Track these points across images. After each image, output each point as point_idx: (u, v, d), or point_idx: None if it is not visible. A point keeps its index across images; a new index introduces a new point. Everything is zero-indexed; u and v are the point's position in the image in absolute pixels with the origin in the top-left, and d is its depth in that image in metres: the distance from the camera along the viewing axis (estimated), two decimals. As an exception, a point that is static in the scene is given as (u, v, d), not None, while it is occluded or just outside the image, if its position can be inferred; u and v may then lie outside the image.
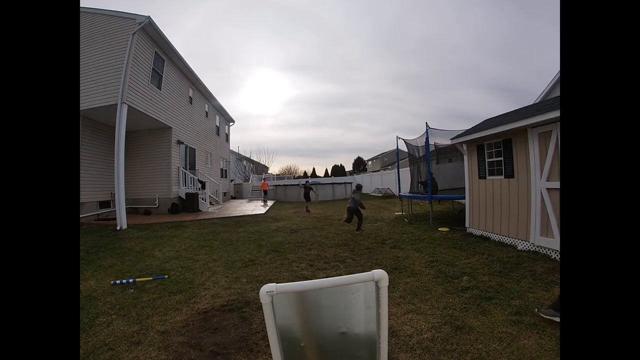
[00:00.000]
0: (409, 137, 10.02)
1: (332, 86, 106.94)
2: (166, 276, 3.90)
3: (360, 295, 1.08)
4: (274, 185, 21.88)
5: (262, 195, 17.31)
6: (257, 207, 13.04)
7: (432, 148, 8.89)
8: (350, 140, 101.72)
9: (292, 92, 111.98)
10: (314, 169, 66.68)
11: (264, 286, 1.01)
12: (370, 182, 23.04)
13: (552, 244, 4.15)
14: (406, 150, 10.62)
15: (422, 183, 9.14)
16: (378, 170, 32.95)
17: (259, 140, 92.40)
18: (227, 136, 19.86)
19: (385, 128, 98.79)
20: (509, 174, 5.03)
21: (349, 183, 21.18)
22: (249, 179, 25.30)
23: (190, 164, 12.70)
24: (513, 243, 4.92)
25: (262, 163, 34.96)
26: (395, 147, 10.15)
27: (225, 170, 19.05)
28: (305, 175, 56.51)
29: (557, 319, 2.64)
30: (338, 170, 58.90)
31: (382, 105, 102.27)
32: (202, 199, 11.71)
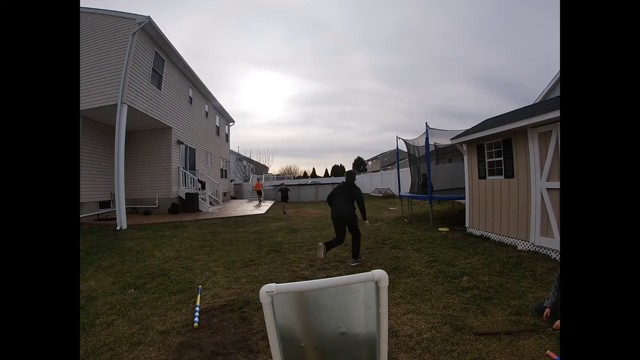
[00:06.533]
0: (403, 136, 10.06)
1: (313, 83, 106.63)
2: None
3: (360, 295, 1.08)
4: (272, 186, 21.88)
5: (257, 196, 16.84)
6: (256, 207, 13.04)
7: (432, 148, 8.89)
8: (344, 140, 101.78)
9: (277, 91, 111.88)
10: (313, 169, 66.88)
11: (264, 286, 1.01)
12: (370, 182, 23.03)
13: (552, 244, 4.15)
14: (406, 151, 10.64)
15: (420, 186, 9.16)
16: (378, 170, 32.94)
17: (248, 140, 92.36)
18: (227, 136, 19.87)
19: (376, 127, 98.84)
20: (509, 174, 5.03)
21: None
22: (249, 179, 25.30)
23: (190, 164, 12.70)
24: (513, 243, 4.92)
25: (262, 163, 34.97)
26: (395, 147, 10.17)
27: (225, 170, 19.06)
28: (305, 175, 56.54)
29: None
30: (338, 170, 58.98)
31: (370, 103, 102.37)
32: (202, 199, 11.70)
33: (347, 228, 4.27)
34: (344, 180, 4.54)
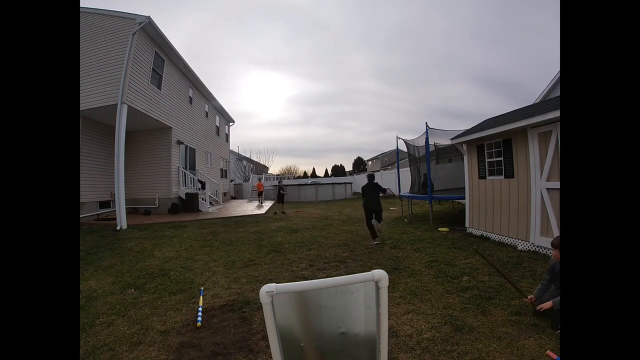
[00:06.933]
0: (403, 136, 10.07)
1: (313, 83, 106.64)
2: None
3: (360, 295, 1.08)
4: (272, 186, 21.84)
5: (257, 197, 16.21)
6: (256, 207, 13.04)
7: (432, 148, 8.89)
8: (344, 140, 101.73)
9: (277, 91, 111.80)
10: (313, 169, 66.81)
11: (264, 286, 1.01)
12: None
13: (552, 244, 4.15)
14: (406, 151, 10.64)
15: (420, 186, 9.17)
16: (378, 170, 32.93)
17: (248, 140, 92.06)
18: (227, 136, 19.86)
19: (376, 127, 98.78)
20: (509, 174, 5.03)
21: (349, 183, 21.16)
22: (249, 179, 25.28)
23: (190, 164, 12.70)
24: (513, 243, 4.91)
25: (262, 163, 34.93)
26: (395, 147, 10.17)
27: (225, 170, 19.05)
28: (305, 175, 56.53)
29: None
30: (338, 170, 58.96)
31: (370, 103, 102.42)
32: (202, 199, 11.70)
33: (374, 214, 5.69)
34: (368, 181, 5.94)
